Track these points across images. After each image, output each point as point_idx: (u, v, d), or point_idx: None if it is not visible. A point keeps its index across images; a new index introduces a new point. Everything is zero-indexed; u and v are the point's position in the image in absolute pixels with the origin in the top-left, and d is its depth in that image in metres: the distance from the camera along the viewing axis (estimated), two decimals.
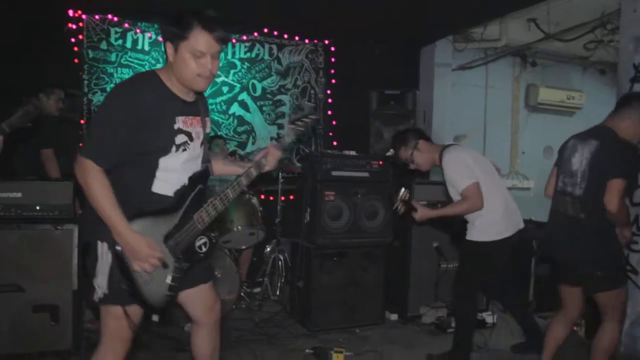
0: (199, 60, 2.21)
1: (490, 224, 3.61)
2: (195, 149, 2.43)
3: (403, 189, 3.82)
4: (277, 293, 5.50)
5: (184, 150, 2.35)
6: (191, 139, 2.38)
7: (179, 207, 2.36)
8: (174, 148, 2.30)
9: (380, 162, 4.84)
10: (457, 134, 7.25)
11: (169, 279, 2.33)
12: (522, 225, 3.76)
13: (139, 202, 2.25)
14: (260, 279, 5.61)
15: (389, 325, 4.90)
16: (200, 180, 2.43)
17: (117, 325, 2.31)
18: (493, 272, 3.90)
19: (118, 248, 2.20)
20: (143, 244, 2.19)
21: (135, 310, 2.33)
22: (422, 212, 3.73)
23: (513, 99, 7.86)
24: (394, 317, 5.07)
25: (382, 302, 4.90)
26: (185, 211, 2.37)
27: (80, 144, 2.23)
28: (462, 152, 3.74)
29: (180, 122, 2.32)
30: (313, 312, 4.60)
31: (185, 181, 2.38)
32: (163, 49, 2.28)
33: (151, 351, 4.03)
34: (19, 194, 3.82)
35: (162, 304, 2.36)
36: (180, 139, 2.32)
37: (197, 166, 2.46)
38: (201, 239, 2.45)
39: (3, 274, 3.72)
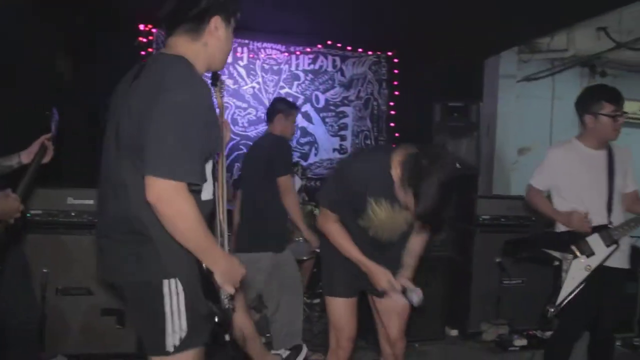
0: None
1: None
2: None
3: None
4: None
5: None
6: None
7: None
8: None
9: None
10: (521, 147, 7.07)
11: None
12: None
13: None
14: (320, 291, 5.57)
15: (448, 341, 4.84)
16: None
17: None
18: None
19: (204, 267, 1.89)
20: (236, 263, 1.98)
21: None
22: None
23: None
24: (454, 332, 4.99)
25: (443, 317, 4.81)
26: None
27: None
28: None
29: None
30: None
31: None
32: None
33: None
34: (91, 202, 3.98)
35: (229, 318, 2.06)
36: None
37: None
38: None
39: (75, 277, 3.92)
